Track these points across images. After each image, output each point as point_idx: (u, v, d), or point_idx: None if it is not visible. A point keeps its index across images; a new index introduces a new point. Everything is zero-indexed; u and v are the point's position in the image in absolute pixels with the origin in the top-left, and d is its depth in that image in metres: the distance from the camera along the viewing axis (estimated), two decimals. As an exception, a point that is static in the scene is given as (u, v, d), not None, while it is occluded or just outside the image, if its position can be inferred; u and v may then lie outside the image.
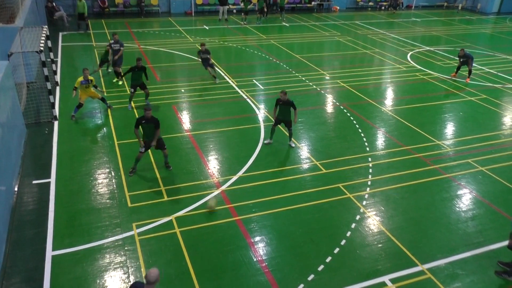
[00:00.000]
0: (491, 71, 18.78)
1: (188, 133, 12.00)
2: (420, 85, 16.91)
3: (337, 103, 14.63)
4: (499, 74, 18.37)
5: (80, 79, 12.45)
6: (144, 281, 5.30)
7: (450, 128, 13.21)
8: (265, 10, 28.31)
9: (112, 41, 15.41)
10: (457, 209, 9.24)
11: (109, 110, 13.19)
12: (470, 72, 17.17)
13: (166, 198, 9.14)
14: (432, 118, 13.86)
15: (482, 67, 19.19)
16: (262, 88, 15.67)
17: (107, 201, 9.02)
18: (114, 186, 9.51)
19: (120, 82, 15.56)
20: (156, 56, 19.21)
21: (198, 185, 9.64)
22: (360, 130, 12.57)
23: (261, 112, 13.57)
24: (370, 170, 10.48)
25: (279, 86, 15.82)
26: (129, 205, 8.91)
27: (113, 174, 9.94)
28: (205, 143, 11.48)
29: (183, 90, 15.13)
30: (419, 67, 18.93)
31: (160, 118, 12.91)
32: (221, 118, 13.07)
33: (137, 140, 10.51)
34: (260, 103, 14.44)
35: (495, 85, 16.98)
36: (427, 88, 16.58)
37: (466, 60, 17.20)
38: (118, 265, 7.45)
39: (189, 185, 9.63)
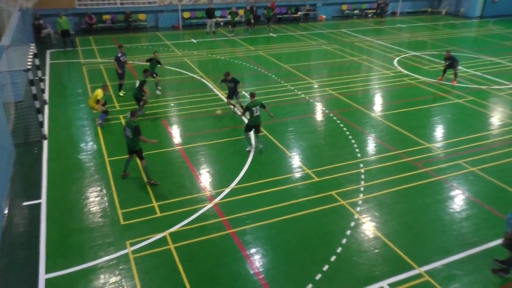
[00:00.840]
0: (476, 73, 19.05)
1: (178, 147, 11.93)
2: (408, 89, 17.08)
3: (327, 111, 14.69)
4: (485, 76, 18.63)
5: (100, 92, 13.13)
6: None
7: (439, 131, 13.32)
8: (252, 21, 28.50)
9: (120, 53, 15.60)
10: (451, 210, 9.28)
11: (99, 127, 13.10)
12: (456, 74, 17.43)
13: (159, 214, 9.04)
14: (421, 122, 13.97)
15: (468, 70, 19.46)
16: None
17: (100, 219, 8.90)
18: (106, 204, 9.40)
19: (122, 94, 15.73)
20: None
21: (191, 199, 9.56)
22: (350, 137, 12.62)
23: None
24: (362, 176, 10.50)
25: (269, 96, 15.86)
26: (122, 222, 8.80)
27: (104, 191, 9.82)
28: (196, 157, 11.42)
29: (172, 104, 15.09)
30: (407, 72, 19.15)
31: (151, 133, 12.83)
32: (211, 130, 13.04)
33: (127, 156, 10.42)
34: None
35: (481, 86, 17.21)
36: (415, 92, 16.74)
37: (451, 62, 17.43)
38: (113, 285, 7.33)
39: (181, 199, 9.55)
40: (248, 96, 15.76)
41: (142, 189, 9.91)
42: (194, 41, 25.63)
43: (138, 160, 10.65)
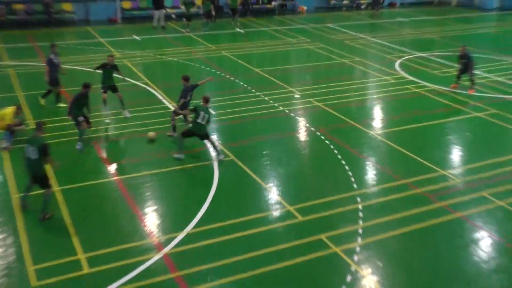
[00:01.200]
0: (499, 79, 19.66)
1: (115, 178, 11.64)
2: (414, 100, 17.35)
3: (312, 128, 14.69)
4: (508, 82, 19.24)
5: (9, 113, 13.06)
6: None
7: (456, 153, 13.46)
8: (213, 13, 28.72)
9: (52, 54, 15.45)
10: (475, 258, 9.24)
11: (2, 151, 12.64)
12: (472, 81, 17.86)
13: (87, 270, 8.64)
14: (432, 142, 14.09)
15: (488, 75, 20.08)
16: (214, 113, 15.59)
17: (2, 280, 8.39)
18: (11, 258, 8.93)
19: (62, 106, 15.56)
20: (71, 77, 18.86)
21: (131, 249, 9.21)
22: (343, 162, 12.59)
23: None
24: (360, 214, 10.40)
25: (236, 109, 15.80)
26: (34, 283, 8.34)
27: (9, 240, 9.36)
28: (140, 190, 11.13)
29: (107, 121, 14.79)
30: (411, 77, 19.56)
31: (77, 159, 12.42)
32: (160, 155, 12.80)
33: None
34: (211, 132, 14.29)
35: (505, 96, 17.71)
36: (423, 103, 17.01)
37: (466, 63, 17.81)
38: None
39: (118, 249, 9.18)
40: (211, 110, 15.63)
41: (64, 235, 9.47)
42: (137, 38, 25.50)
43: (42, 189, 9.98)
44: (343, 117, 15.54)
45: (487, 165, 12.62)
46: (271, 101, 16.65)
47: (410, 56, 22.96)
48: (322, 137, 14.05)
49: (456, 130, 14.96)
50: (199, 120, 12.15)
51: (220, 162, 12.29)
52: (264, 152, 13.11)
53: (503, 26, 31.35)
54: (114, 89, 15.05)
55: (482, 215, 10.48)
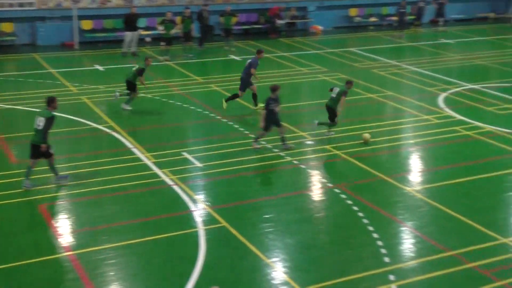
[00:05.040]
0: None
1: (69, 253, 11.67)
2: (464, 146, 17.58)
3: (329, 184, 14.85)
4: None
5: None
6: None
7: (521, 216, 13.63)
8: (194, 35, 29.07)
9: None
10: None
11: None
12: None
13: None
14: (490, 201, 14.19)
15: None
16: (200, 165, 15.79)
17: None
18: None
19: None
20: (10, 119, 19.23)
21: None
22: (371, 228, 12.69)
23: (200, 207, 13.56)
24: (395, 297, 10.48)
25: (229, 160, 16.02)
26: None
27: None
28: (100, 270, 11.15)
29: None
30: (460, 116, 19.87)
31: (19, 229, 12.53)
32: (127, 221, 12.91)
33: None
34: (197, 191, 14.45)
35: None
36: (476, 150, 17.24)
37: None
38: None
39: None
40: (196, 163, 15.86)
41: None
42: (101, 68, 25.95)
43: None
44: (370, 169, 15.71)
45: (562, 230, 12.74)
46: (275, 149, 16.85)
47: (458, 89, 23.34)
48: (343, 196, 14.17)
49: (521, 184, 15.14)
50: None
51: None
52: (266, 217, 13.17)
53: None
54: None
55: (556, 297, 10.54)
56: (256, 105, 20.25)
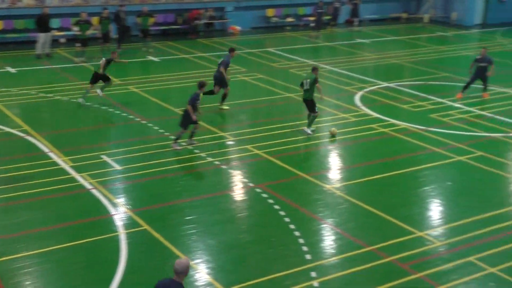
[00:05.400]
0: (483, 113, 20.89)
1: (-17, 262, 11.34)
2: (380, 143, 18.07)
3: (250, 184, 14.96)
4: (496, 117, 20.46)
5: None
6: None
7: (435, 210, 14.06)
8: (113, 36, 28.81)
9: None
10: None
11: None
12: (486, 86, 22.16)
13: None
14: (405, 196, 14.67)
15: (471, 108, 21.29)
16: (120, 168, 15.62)
17: None
18: None
19: None
20: None
21: None
22: (292, 226, 12.86)
23: (120, 211, 13.42)
24: (317, 293, 10.65)
25: (149, 163, 15.92)
26: None
27: None
28: (17, 279, 10.90)
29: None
30: (376, 114, 20.40)
31: None
32: (45, 228, 12.66)
33: None
34: (117, 194, 14.29)
35: (492, 134, 18.81)
36: (392, 147, 17.75)
37: (485, 68, 21.69)
38: None
39: None
40: (115, 166, 15.65)
41: None
42: (12, 70, 25.26)
43: None
44: (290, 167, 15.90)
45: (474, 222, 13.25)
46: (196, 150, 16.85)
47: (373, 87, 23.95)
48: (264, 195, 14.29)
49: (435, 179, 15.65)
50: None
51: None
52: (188, 218, 13.17)
53: (488, 47, 33.32)
54: None
55: (470, 287, 10.94)
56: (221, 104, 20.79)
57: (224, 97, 20.63)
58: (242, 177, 15.45)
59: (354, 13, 37.29)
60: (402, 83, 24.72)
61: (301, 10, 37.71)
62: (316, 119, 18.49)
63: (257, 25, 36.64)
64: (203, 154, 16.63)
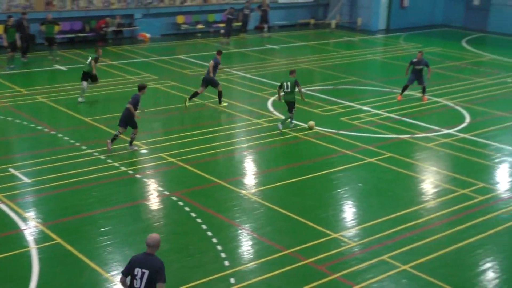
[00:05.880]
0: (391, 115, 21.57)
1: None
2: (294, 147, 18.42)
3: (166, 192, 14.92)
4: (403, 119, 21.18)
5: None
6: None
7: (349, 211, 14.46)
8: (20, 45, 28.07)
9: None
10: None
11: None
12: (424, 88, 23.07)
13: None
14: (320, 198, 15.00)
15: (379, 111, 21.93)
16: (29, 181, 15.22)
17: None
18: None
19: None
20: None
21: None
22: (209, 233, 12.90)
23: (31, 225, 13.06)
24: (237, 300, 10.71)
25: (60, 174, 15.63)
26: None
27: None
28: None
29: None
30: (289, 119, 20.71)
31: None
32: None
33: None
34: (26, 208, 13.93)
35: (400, 136, 19.45)
36: (305, 151, 18.13)
37: (421, 69, 22.62)
38: None
39: None
40: (24, 179, 15.22)
41: None
42: None
43: None
44: (205, 174, 15.95)
45: (385, 221, 13.70)
46: (109, 160, 16.61)
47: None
48: (180, 203, 14.28)
49: (347, 181, 16.08)
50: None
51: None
52: (103, 229, 12.99)
53: (391, 51, 34.55)
54: None
55: (383, 284, 11.30)
56: (220, 102, 21.88)
57: (220, 95, 21.73)
58: (157, 185, 15.35)
59: (264, 19, 37.67)
60: (313, 87, 25.16)
61: (211, 17, 37.86)
62: (237, 124, 18.56)
63: (167, 32, 36.48)
64: (116, 164, 16.41)
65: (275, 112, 21.36)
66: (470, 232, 13.28)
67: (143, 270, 8.26)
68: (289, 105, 19.45)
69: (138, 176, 15.82)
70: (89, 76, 22.09)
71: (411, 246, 12.61)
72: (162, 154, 17.19)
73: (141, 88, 17.28)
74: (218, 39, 35.44)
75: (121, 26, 34.21)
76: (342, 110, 21.82)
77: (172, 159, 16.87)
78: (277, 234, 13.10)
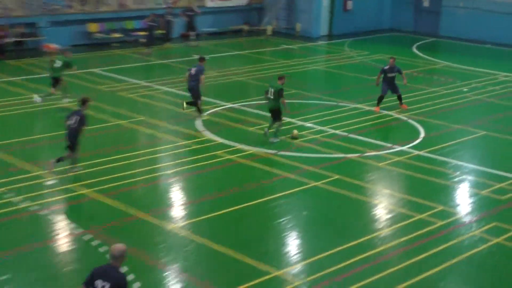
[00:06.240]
0: (337, 132, 21.62)
1: None
2: (228, 172, 18.21)
3: (78, 231, 14.46)
4: (350, 136, 21.24)
5: None
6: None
7: (293, 244, 14.27)
8: None
9: None
10: None
11: None
12: (400, 96, 23.92)
13: None
14: (259, 230, 14.79)
15: (323, 127, 21.96)
16: None
17: None
18: None
19: None
20: None
21: None
22: (131, 277, 12.48)
23: None
24: None
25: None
26: None
27: None
28: None
29: None
30: (220, 139, 20.54)
31: None
32: None
33: None
34: None
35: (347, 155, 19.46)
36: (241, 175, 17.97)
37: (394, 77, 23.63)
38: None
39: None
40: None
41: None
42: None
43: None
44: (125, 207, 15.56)
45: (334, 254, 13.57)
46: (5, 196, 16.02)
47: (216, 109, 24.14)
48: (95, 243, 13.83)
49: (290, 208, 15.91)
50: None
51: None
52: (2, 279, 12.43)
53: (335, 60, 34.89)
54: None
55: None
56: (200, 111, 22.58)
57: (197, 106, 22.59)
58: (67, 223, 14.88)
59: (190, 26, 37.51)
60: (247, 102, 25.04)
61: (129, 24, 37.52)
62: (161, 147, 18.17)
63: (78, 42, 35.87)
64: (15, 199, 15.79)
65: (205, 133, 21.10)
66: (430, 263, 13.26)
67: (104, 283, 8.71)
68: (273, 113, 19.75)
69: (43, 212, 15.28)
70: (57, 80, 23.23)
71: (364, 282, 12.46)
72: (72, 185, 16.74)
73: (83, 102, 17.56)
74: (138, 49, 35.06)
75: (24, 36, 33.52)
76: (282, 127, 21.69)
77: (84, 190, 16.43)
78: (210, 274, 12.82)
